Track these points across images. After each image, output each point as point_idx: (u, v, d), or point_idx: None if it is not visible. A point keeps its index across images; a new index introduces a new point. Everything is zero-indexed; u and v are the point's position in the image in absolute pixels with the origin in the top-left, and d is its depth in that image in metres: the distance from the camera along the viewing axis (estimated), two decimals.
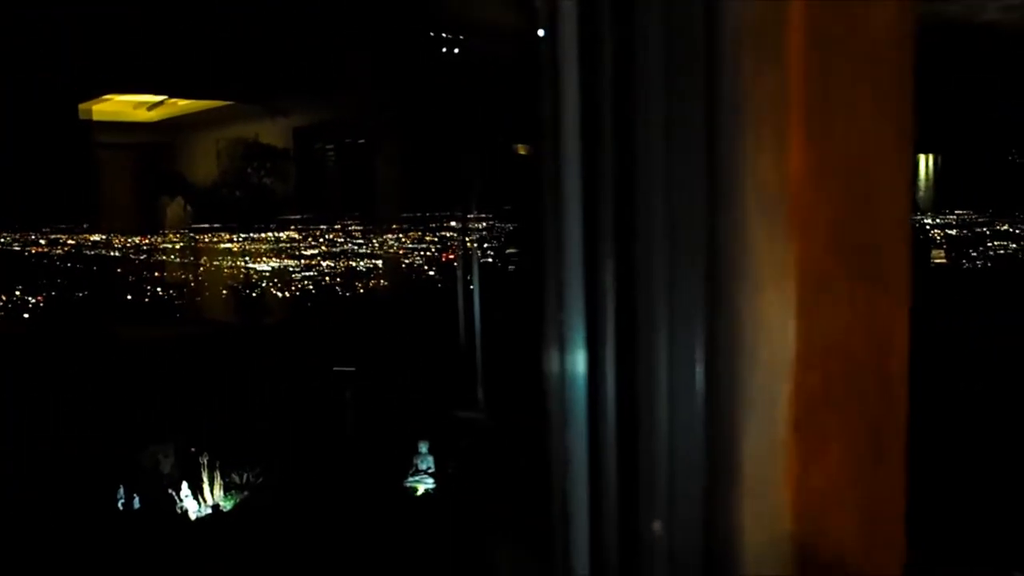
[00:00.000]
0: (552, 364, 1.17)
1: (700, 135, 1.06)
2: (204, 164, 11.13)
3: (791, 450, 1.04)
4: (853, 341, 1.10)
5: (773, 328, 1.05)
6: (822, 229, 1.05)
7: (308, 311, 11.56)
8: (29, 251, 11.77)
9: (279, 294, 11.72)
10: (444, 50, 9.35)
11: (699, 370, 1.09)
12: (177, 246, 11.76)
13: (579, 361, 1.15)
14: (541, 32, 1.11)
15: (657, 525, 1.11)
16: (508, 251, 11.35)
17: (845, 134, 1.07)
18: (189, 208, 11.22)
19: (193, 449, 8.48)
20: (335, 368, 9.53)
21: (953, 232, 10.70)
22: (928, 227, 10.39)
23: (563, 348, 1.17)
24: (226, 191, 11.01)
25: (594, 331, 1.15)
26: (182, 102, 10.31)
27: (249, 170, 10.86)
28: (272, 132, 10.91)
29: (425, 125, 10.80)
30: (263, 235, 11.74)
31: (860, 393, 1.11)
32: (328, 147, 10.91)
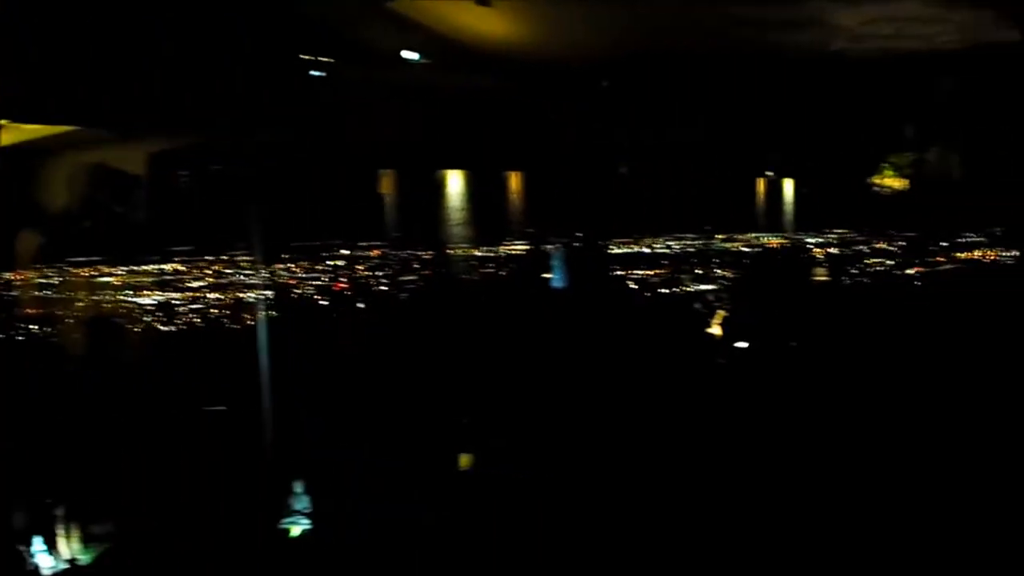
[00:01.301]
0: None
1: None
2: (60, 193, 10.56)
3: None
4: None
5: None
6: None
7: (192, 342, 11.02)
8: None
9: (164, 328, 11.16)
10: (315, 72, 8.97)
11: None
12: (54, 280, 11.16)
13: None
14: None
15: None
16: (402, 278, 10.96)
17: None
18: (42, 240, 10.59)
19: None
20: (204, 408, 8.98)
21: (835, 251, 10.50)
22: (810, 246, 10.20)
23: None
24: (83, 221, 10.47)
25: None
26: (27, 126, 9.72)
27: (97, 197, 10.34)
28: (127, 158, 10.40)
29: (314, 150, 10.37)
30: (145, 268, 11.20)
31: None
32: (184, 173, 10.45)
